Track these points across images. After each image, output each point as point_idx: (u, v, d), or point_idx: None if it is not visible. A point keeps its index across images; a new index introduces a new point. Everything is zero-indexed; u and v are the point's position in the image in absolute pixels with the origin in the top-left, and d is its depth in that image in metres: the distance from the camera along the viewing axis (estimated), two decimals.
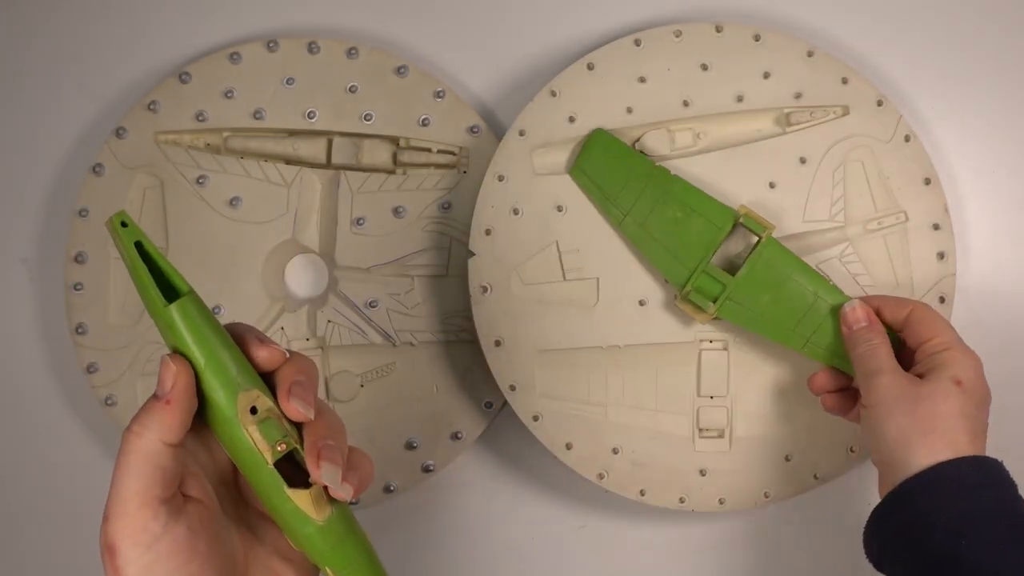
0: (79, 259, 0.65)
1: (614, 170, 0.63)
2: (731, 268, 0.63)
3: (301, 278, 0.67)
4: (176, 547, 0.38)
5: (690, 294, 0.62)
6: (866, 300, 0.59)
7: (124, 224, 0.39)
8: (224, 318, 0.65)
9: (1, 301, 0.68)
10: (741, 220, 0.62)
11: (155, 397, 0.39)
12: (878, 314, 0.59)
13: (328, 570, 0.42)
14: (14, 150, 0.68)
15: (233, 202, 0.65)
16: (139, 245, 0.39)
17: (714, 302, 0.61)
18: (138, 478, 0.38)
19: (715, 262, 0.62)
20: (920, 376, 0.55)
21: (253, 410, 0.40)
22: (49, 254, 0.68)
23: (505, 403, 0.65)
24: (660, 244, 0.63)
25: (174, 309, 0.39)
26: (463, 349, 0.66)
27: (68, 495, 0.68)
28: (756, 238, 0.62)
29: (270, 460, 0.40)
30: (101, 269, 0.65)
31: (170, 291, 0.39)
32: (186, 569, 0.38)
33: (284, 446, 0.40)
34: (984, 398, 0.55)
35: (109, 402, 0.65)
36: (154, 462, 0.38)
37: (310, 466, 0.40)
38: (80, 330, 0.64)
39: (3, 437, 0.68)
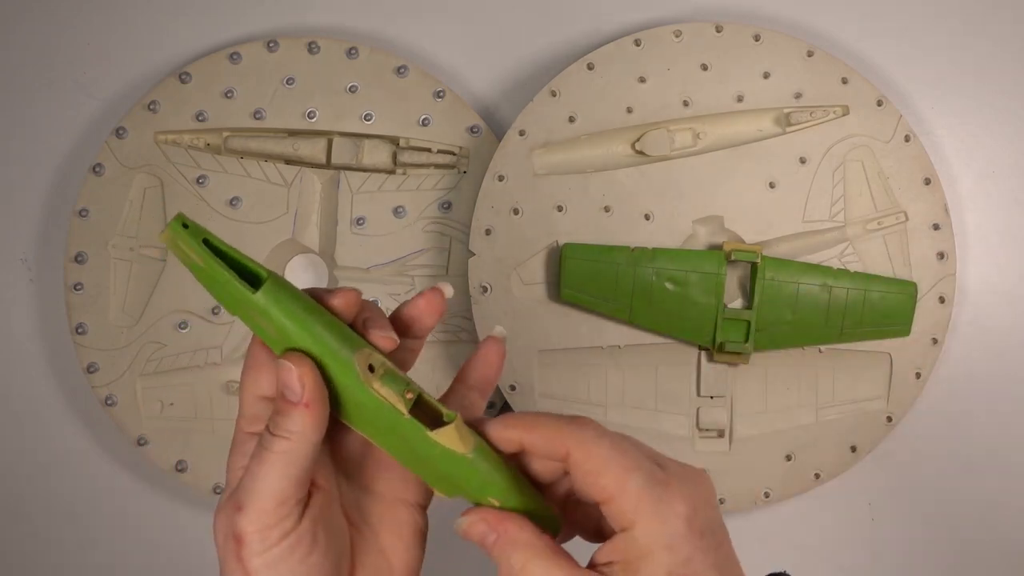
0: (79, 259, 0.65)
1: (599, 273, 0.63)
2: (747, 298, 0.64)
3: (301, 278, 0.67)
4: (301, 540, 0.38)
5: (724, 345, 0.62)
6: (507, 427, 0.40)
7: (185, 225, 0.37)
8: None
9: (1, 301, 0.68)
10: (732, 257, 0.62)
11: (287, 401, 0.38)
12: (531, 450, 0.40)
13: (492, 499, 0.40)
14: (14, 150, 0.68)
15: (233, 202, 0.65)
16: (207, 242, 0.37)
17: (746, 340, 0.62)
18: (281, 479, 0.38)
19: (729, 302, 0.64)
20: (611, 565, 0.38)
21: (371, 368, 0.39)
22: (49, 254, 0.68)
23: (505, 403, 0.65)
24: (674, 316, 0.63)
25: (263, 296, 0.37)
26: (463, 349, 0.66)
27: (68, 495, 0.68)
28: (751, 264, 0.63)
29: (405, 410, 0.39)
30: (101, 269, 0.65)
31: (249, 278, 0.38)
32: (308, 561, 0.38)
33: (411, 393, 0.39)
34: (702, 567, 0.37)
35: (109, 402, 0.65)
36: (300, 465, 0.38)
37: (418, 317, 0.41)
38: (80, 330, 0.64)
39: (3, 437, 0.68)
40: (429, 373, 0.66)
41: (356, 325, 0.40)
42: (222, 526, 0.38)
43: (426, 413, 0.40)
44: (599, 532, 0.42)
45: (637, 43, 0.65)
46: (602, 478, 0.37)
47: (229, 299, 0.38)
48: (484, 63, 0.69)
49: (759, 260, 0.63)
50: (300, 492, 0.38)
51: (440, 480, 0.41)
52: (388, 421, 0.39)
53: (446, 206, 0.66)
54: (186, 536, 0.68)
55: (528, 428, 0.39)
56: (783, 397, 0.65)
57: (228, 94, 0.65)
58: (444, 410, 0.40)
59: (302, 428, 0.38)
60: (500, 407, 0.66)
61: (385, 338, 0.40)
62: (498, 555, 0.39)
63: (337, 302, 0.39)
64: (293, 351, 0.38)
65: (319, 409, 0.38)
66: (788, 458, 0.65)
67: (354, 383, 0.39)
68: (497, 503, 0.40)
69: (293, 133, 0.66)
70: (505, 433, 0.40)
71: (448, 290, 0.42)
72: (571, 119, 0.65)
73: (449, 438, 0.39)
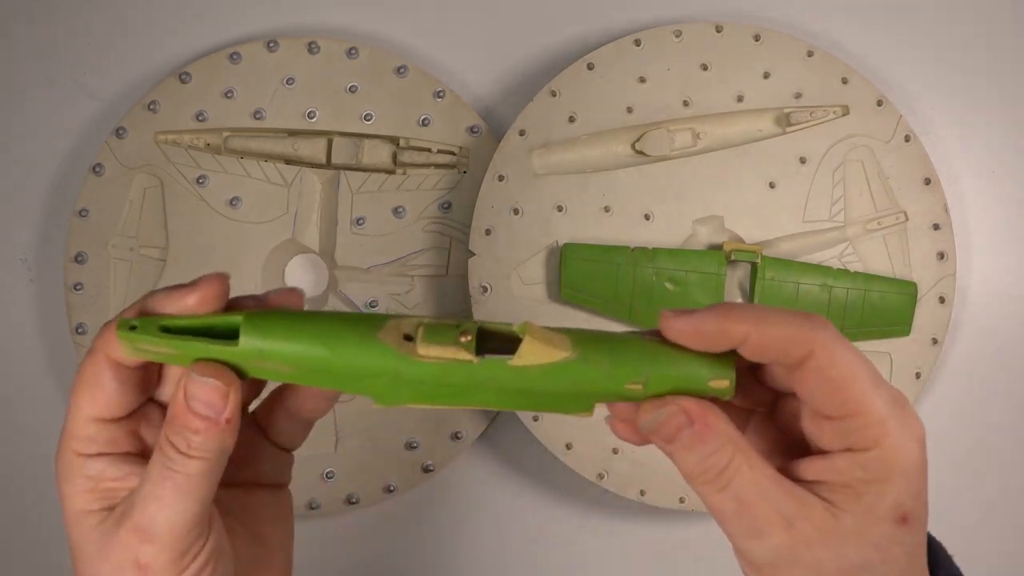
0: (79, 259, 0.65)
1: (599, 273, 0.63)
2: (747, 298, 0.65)
3: (301, 278, 0.67)
4: (209, 558, 0.35)
5: None
6: (733, 320, 0.32)
7: (133, 327, 0.33)
8: None
9: (1, 301, 0.68)
10: (732, 257, 0.63)
11: (202, 417, 0.33)
12: (756, 350, 0.33)
13: (635, 386, 0.33)
14: (14, 150, 0.68)
15: (233, 202, 0.65)
16: (166, 328, 0.33)
17: None
18: (196, 502, 0.34)
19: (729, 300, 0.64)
20: (822, 485, 0.33)
21: (408, 337, 0.33)
22: (49, 254, 0.68)
23: None
24: None
25: (247, 340, 0.33)
26: None
27: None
28: (751, 264, 0.63)
29: (472, 356, 0.33)
30: (101, 269, 0.65)
31: (227, 333, 0.34)
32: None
33: (467, 335, 0.33)
34: (925, 502, 0.33)
35: None
36: (214, 484, 0.34)
37: None
38: (80, 330, 0.64)
39: (3, 437, 0.68)
40: None
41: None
42: (116, 554, 0.34)
43: (497, 341, 0.33)
44: (771, 438, 0.36)
45: (637, 43, 0.65)
46: (848, 391, 0.31)
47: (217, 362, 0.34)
48: (484, 63, 0.69)
49: (759, 260, 0.63)
50: (209, 510, 0.35)
51: (569, 401, 0.34)
52: (464, 379, 0.33)
53: (446, 206, 0.66)
54: None
55: (758, 322, 0.32)
56: None
57: (228, 94, 0.65)
58: (509, 326, 0.34)
59: (221, 446, 0.34)
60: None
61: (293, 294, 0.36)
62: (692, 449, 0.32)
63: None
64: (206, 361, 0.33)
65: (237, 423, 0.34)
66: None
67: (402, 364, 0.33)
68: (640, 387, 0.33)
69: (293, 133, 0.66)
70: (730, 327, 0.32)
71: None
72: (571, 119, 0.65)
73: (536, 352, 0.33)
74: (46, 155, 0.68)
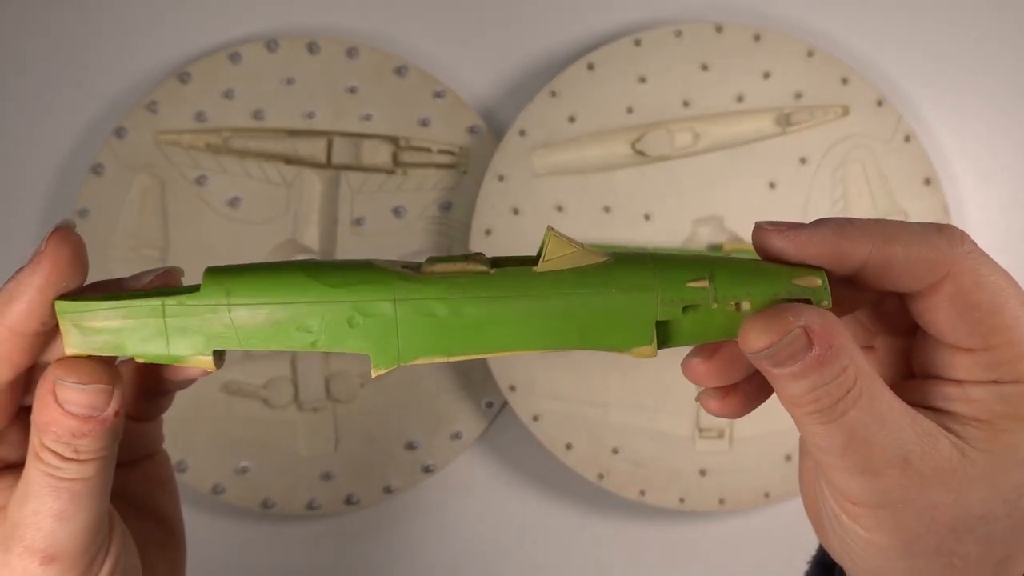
0: None
1: None
2: None
3: None
4: (117, 562, 0.31)
5: None
6: (850, 238, 0.27)
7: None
8: None
9: None
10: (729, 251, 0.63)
11: (87, 419, 0.28)
12: (878, 273, 0.27)
13: (699, 284, 0.27)
14: (14, 150, 0.68)
15: (233, 202, 0.65)
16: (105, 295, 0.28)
17: None
18: (97, 507, 0.30)
19: None
20: (951, 416, 0.28)
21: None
22: None
23: (505, 403, 0.65)
24: None
25: (212, 285, 0.28)
26: None
27: None
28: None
29: (487, 267, 0.28)
30: (101, 269, 0.65)
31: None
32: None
33: (476, 261, 0.28)
34: None
35: None
36: (110, 483, 0.30)
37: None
38: None
39: None
40: (429, 373, 0.66)
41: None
42: None
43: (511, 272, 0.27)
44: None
45: (637, 43, 0.65)
46: (997, 317, 0.26)
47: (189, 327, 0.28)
48: (484, 63, 0.69)
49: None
50: (108, 508, 0.31)
51: (621, 326, 0.28)
52: (483, 310, 0.27)
53: (446, 206, 0.66)
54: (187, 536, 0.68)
55: (884, 240, 0.27)
56: None
57: (228, 94, 0.65)
58: (527, 258, 0.28)
59: (114, 439, 0.29)
60: (500, 406, 0.66)
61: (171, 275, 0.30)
62: (805, 376, 0.26)
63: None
64: (74, 360, 0.28)
65: (123, 411, 0.30)
66: (788, 458, 0.65)
67: (400, 285, 0.27)
68: (706, 283, 0.27)
69: (293, 133, 0.66)
70: (848, 247, 0.27)
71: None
72: (571, 119, 0.65)
73: (565, 252, 0.27)
74: (46, 155, 0.68)
